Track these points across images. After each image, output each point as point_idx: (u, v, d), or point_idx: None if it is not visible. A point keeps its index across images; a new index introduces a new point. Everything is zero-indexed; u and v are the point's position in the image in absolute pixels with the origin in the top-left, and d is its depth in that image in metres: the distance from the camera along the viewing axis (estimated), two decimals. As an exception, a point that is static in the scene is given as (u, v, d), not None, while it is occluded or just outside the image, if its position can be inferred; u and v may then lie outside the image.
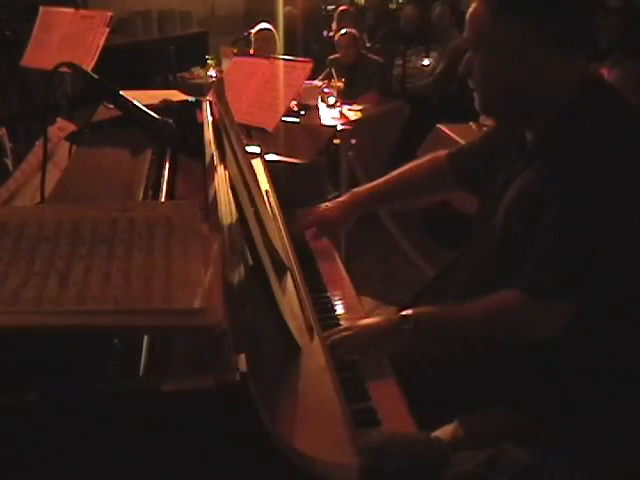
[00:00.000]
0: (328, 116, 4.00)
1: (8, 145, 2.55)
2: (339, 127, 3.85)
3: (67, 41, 3.23)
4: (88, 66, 2.87)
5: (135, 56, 5.87)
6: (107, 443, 0.76)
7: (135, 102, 1.48)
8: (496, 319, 1.34)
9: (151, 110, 1.48)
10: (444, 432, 1.31)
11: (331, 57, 4.85)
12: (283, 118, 2.83)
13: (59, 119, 1.72)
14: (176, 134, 1.49)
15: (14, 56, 3.55)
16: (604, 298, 1.29)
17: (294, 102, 3.74)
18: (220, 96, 1.61)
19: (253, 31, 4.64)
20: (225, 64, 4.81)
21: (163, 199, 1.27)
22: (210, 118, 1.60)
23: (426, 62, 5.86)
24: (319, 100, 4.08)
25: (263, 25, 4.64)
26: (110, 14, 3.14)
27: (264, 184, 1.78)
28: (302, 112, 3.97)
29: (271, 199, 1.70)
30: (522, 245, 1.31)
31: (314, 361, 1.13)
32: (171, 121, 1.48)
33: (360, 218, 1.85)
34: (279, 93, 2.78)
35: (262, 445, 0.78)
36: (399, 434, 0.98)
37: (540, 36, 1.28)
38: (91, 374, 0.84)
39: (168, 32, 7.02)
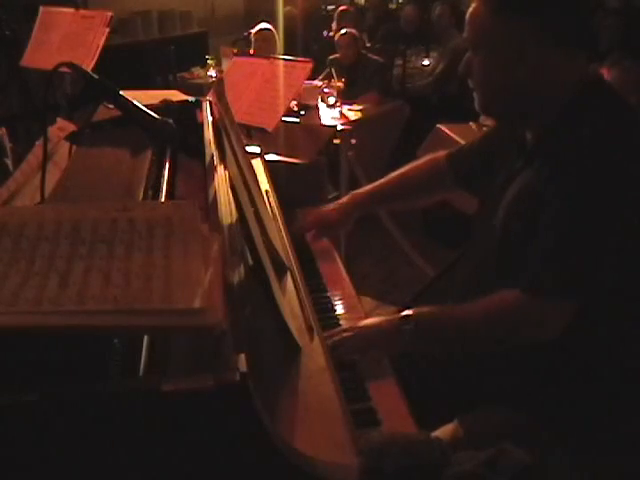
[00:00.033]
0: (328, 116, 4.00)
1: (8, 145, 2.55)
2: (339, 127, 3.85)
3: (67, 41, 3.23)
4: (88, 66, 2.87)
5: (135, 56, 5.87)
6: (107, 443, 0.76)
7: (135, 102, 1.48)
8: (496, 319, 1.34)
9: (151, 110, 1.48)
10: (444, 432, 1.31)
11: (331, 57, 4.85)
12: (283, 118, 2.83)
13: (59, 119, 1.72)
14: (176, 134, 1.49)
15: (14, 56, 3.54)
16: (604, 298, 1.28)
17: (294, 102, 3.74)
18: (220, 96, 1.61)
19: (253, 31, 4.65)
20: (225, 64, 4.81)
21: (163, 199, 1.27)
22: (210, 118, 1.60)
23: (426, 62, 5.87)
24: (319, 100, 4.08)
25: (263, 25, 4.64)
26: (110, 14, 3.14)
27: (264, 184, 1.78)
28: (302, 112, 3.98)
29: (271, 199, 1.70)
30: (522, 245, 1.31)
31: (314, 361, 1.13)
32: (171, 121, 1.48)
33: (360, 218, 1.85)
34: (279, 93, 2.78)
35: (262, 445, 0.78)
36: (399, 434, 0.98)
37: (540, 36, 1.28)
38: (91, 374, 0.84)
39: (168, 32, 7.02)
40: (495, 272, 1.42)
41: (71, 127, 1.66)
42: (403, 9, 6.61)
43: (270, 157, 2.15)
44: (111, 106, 1.54)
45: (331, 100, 4.05)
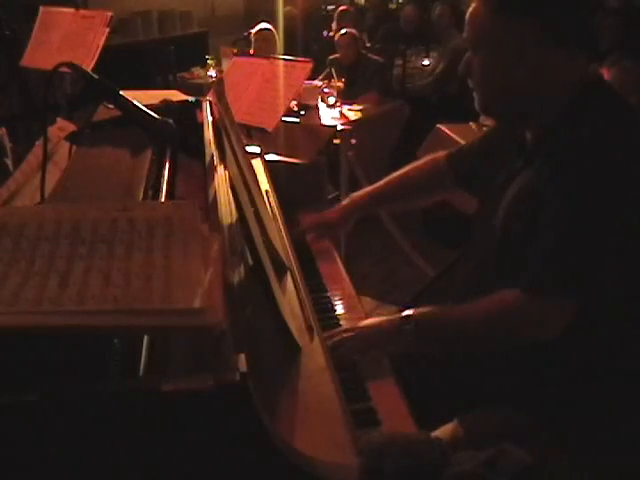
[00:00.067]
0: (328, 116, 4.00)
1: (8, 145, 2.55)
2: (339, 127, 3.85)
3: (67, 41, 3.23)
4: (88, 66, 2.86)
5: (135, 56, 5.87)
6: (107, 443, 0.76)
7: (135, 102, 1.48)
8: (496, 319, 1.34)
9: (151, 110, 1.48)
10: (444, 432, 1.31)
11: (331, 57, 4.85)
12: (283, 118, 2.83)
13: (59, 119, 1.72)
14: (176, 134, 1.49)
15: (14, 56, 3.54)
16: (604, 298, 1.28)
17: (294, 102, 3.74)
18: (220, 96, 1.61)
19: (253, 31, 4.65)
20: (225, 64, 4.81)
21: (163, 199, 1.27)
22: (210, 118, 1.60)
23: (426, 62, 5.86)
24: (319, 100, 4.08)
25: (263, 25, 4.64)
26: (110, 14, 3.14)
27: (264, 184, 1.78)
28: (302, 112, 3.98)
29: (271, 199, 1.70)
30: (522, 245, 1.31)
31: (314, 361, 1.13)
32: (171, 121, 1.48)
33: (360, 219, 1.85)
34: (279, 93, 2.78)
35: (262, 445, 0.78)
36: (399, 434, 0.98)
37: (540, 36, 1.28)
38: (91, 374, 0.84)
39: (168, 32, 7.02)
40: (495, 272, 1.42)
41: (71, 127, 1.66)
42: (403, 9, 6.60)
43: (270, 157, 2.14)
44: (111, 106, 1.54)
45: (331, 100, 4.05)
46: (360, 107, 4.16)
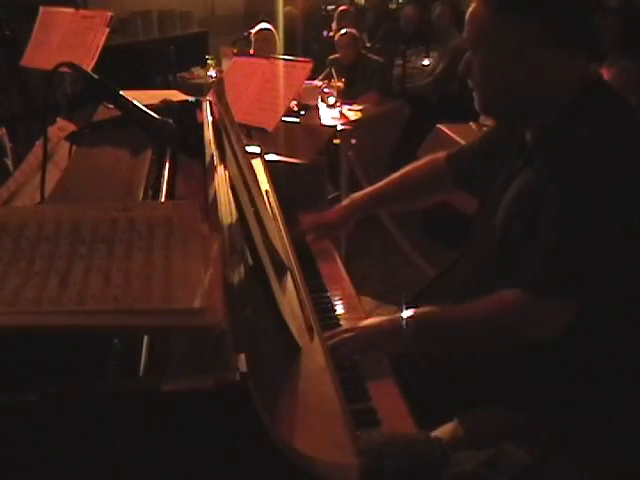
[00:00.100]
0: (328, 116, 4.00)
1: (8, 145, 2.55)
2: (339, 127, 3.86)
3: (67, 41, 3.23)
4: (88, 66, 2.87)
5: (135, 56, 5.87)
6: (107, 443, 0.76)
7: (135, 102, 1.48)
8: (496, 319, 1.34)
9: (151, 110, 1.48)
10: (444, 432, 1.31)
11: (331, 57, 4.85)
12: (283, 118, 2.83)
13: (59, 119, 1.72)
14: (176, 134, 1.49)
15: (14, 56, 3.54)
16: (604, 298, 1.29)
17: (294, 102, 3.74)
18: (220, 96, 1.61)
19: (253, 31, 4.65)
20: (225, 64, 4.81)
21: (163, 199, 1.27)
22: (210, 118, 1.60)
23: (426, 62, 5.86)
24: (319, 100, 4.09)
25: (263, 25, 4.64)
26: (110, 14, 3.14)
27: (264, 184, 1.78)
28: (302, 112, 3.98)
29: (271, 199, 1.70)
30: (522, 245, 1.31)
31: (314, 361, 1.13)
32: (171, 121, 1.48)
33: (360, 219, 1.86)
34: (279, 93, 2.78)
35: (262, 445, 0.78)
36: (399, 434, 0.98)
37: (540, 36, 1.28)
38: (91, 374, 0.83)
39: (168, 32, 7.02)
40: (495, 272, 1.42)
41: (71, 127, 1.66)
42: (403, 9, 6.60)
43: (270, 157, 2.15)
44: (111, 106, 1.54)
45: (331, 100, 4.05)
46: (360, 107, 4.16)
